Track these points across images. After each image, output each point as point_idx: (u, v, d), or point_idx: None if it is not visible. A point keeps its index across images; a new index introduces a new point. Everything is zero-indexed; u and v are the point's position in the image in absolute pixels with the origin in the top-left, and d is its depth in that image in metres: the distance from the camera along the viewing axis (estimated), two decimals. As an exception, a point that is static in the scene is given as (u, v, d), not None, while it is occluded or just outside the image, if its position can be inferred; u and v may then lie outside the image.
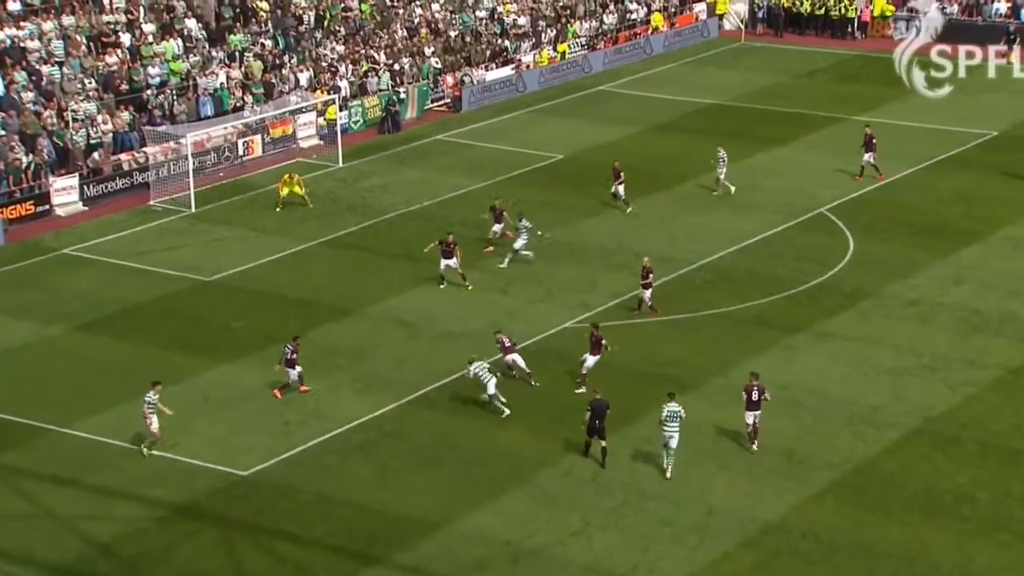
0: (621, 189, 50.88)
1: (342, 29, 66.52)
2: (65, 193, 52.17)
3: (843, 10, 77.30)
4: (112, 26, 59.87)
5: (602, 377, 37.73)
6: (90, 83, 56.29)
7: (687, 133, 59.85)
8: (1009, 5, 75.63)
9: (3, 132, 52.36)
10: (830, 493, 33.25)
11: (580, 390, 37.41)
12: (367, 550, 31.26)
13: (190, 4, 63.04)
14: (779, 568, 30.66)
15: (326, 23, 66.49)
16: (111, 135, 54.93)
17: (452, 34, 69.22)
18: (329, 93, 60.62)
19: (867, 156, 53.74)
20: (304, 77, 61.54)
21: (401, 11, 69.84)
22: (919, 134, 60.44)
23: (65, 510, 32.72)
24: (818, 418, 36.71)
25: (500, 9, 72.40)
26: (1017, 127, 61.45)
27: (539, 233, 46.95)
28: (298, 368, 37.82)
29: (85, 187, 52.71)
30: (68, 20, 58.85)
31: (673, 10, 78.41)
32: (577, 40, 72.83)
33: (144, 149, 54.84)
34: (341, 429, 36.28)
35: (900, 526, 31.96)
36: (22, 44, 56.62)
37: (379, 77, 63.47)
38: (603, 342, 37.94)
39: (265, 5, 65.15)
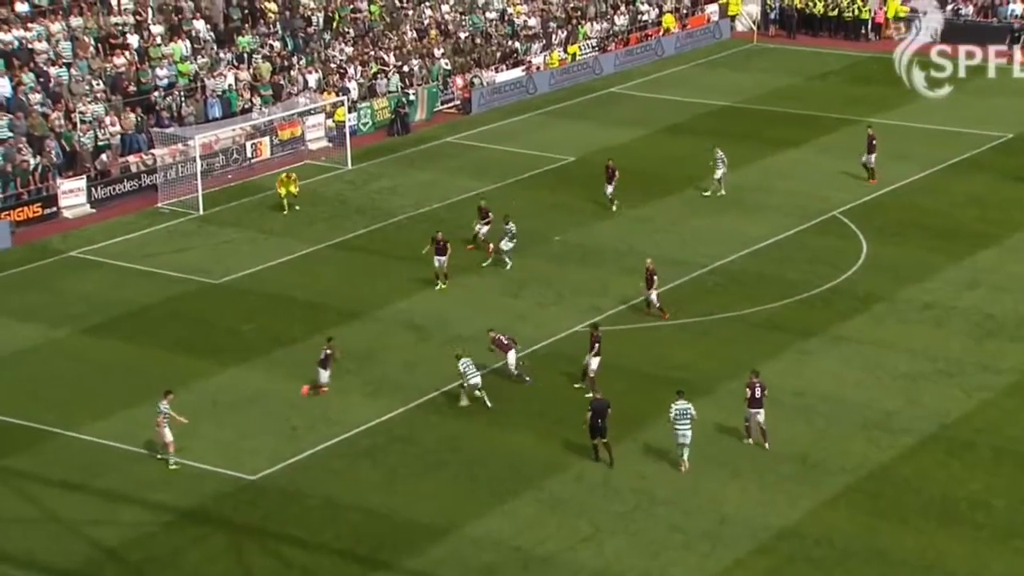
0: (609, 189, 50.97)
1: (351, 30, 66.40)
2: (73, 195, 52.12)
3: (856, 11, 76.90)
4: (120, 27, 59.83)
5: (612, 381, 37.68)
6: (98, 85, 56.22)
7: (698, 135, 59.60)
8: (1024, 6, 75.43)
9: (11, 134, 52.34)
10: (844, 499, 33.05)
11: (589, 395, 37.12)
12: (375, 555, 31.14)
13: (198, 5, 62.86)
14: (793, 575, 30.40)
15: (335, 24, 66.37)
16: (119, 137, 54.88)
17: (462, 35, 69.07)
18: (338, 95, 60.48)
19: (865, 157, 53.46)
20: (313, 79, 61.42)
21: (411, 12, 69.70)
22: (933, 136, 60.14)
23: (71, 514, 32.65)
24: (831, 423, 36.50)
25: (510, 10, 72.22)
26: (1033, 129, 61.26)
27: (556, 238, 47.21)
28: (328, 370, 37.79)
29: (93, 189, 52.65)
30: (76, 21, 58.82)
31: (685, 11, 78.15)
32: (588, 42, 72.63)
33: (152, 151, 54.80)
34: (349, 433, 36.16)
35: (915, 533, 31.75)
36: (30, 45, 56.60)
37: (388, 79, 63.31)
38: (597, 344, 37.75)
39: (274, 6, 65.08)
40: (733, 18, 78.87)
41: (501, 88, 66.40)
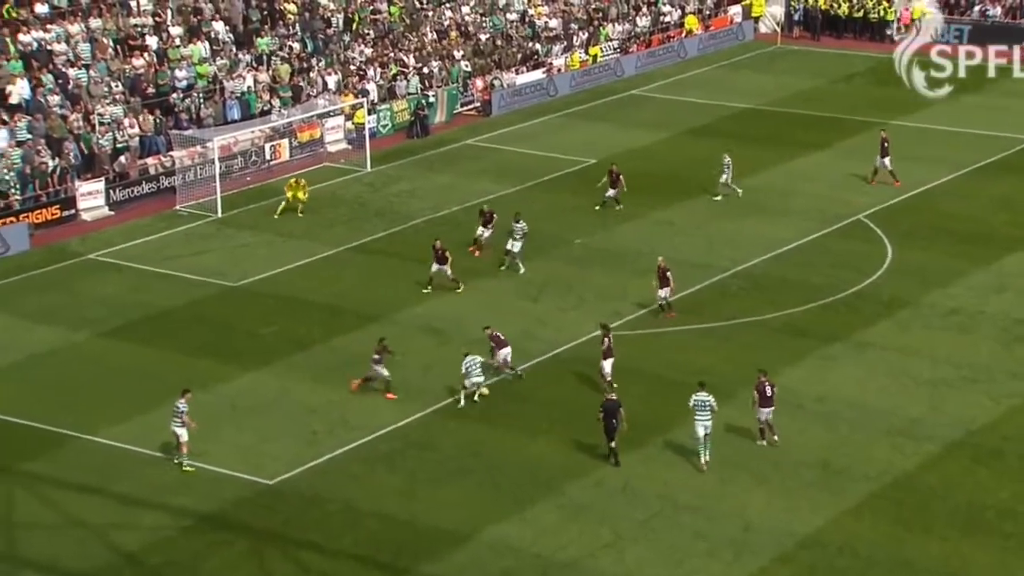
0: (612, 191, 50.91)
1: (371, 32, 66.26)
2: (91, 197, 52.04)
3: (882, 12, 76.41)
4: (139, 29, 59.76)
5: (633, 385, 37.66)
6: (117, 86, 56.15)
7: (721, 138, 59.29)
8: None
9: (29, 136, 52.32)
10: (868, 507, 32.82)
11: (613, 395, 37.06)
12: (394, 561, 31.02)
13: (218, 7, 62.75)
14: (816, 584, 30.29)
15: (355, 26, 66.20)
16: (137, 139, 54.78)
17: (482, 37, 68.87)
18: (357, 97, 60.34)
19: (881, 160, 53.23)
20: (332, 80, 61.27)
21: (430, 14, 69.49)
22: (960, 139, 59.85)
23: (91, 518, 32.60)
24: (855, 430, 36.26)
25: (531, 12, 72.00)
26: (1065, 132, 60.92)
27: (576, 241, 47.28)
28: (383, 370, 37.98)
29: (111, 191, 52.58)
30: (95, 23, 58.75)
31: (708, 13, 77.79)
32: (609, 43, 72.37)
33: (171, 153, 54.74)
34: (368, 438, 36.03)
35: (940, 542, 31.49)
36: (49, 47, 56.55)
37: (408, 80, 63.13)
38: (606, 340, 37.91)
39: (293, 7, 64.96)
40: (757, 19, 78.48)
41: (521, 90, 66.17)
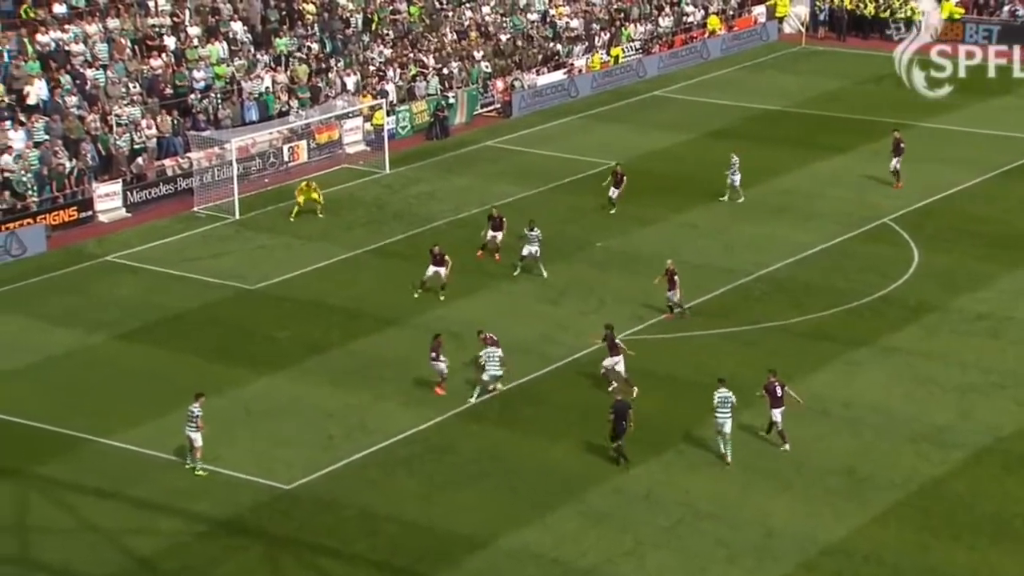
0: (615, 192, 50.82)
1: (390, 32, 66.08)
2: (108, 199, 51.97)
3: (909, 13, 75.80)
4: (157, 29, 59.68)
5: (656, 390, 37.61)
6: (134, 87, 56.07)
7: (745, 140, 59.06)
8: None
9: (47, 137, 52.27)
10: (893, 515, 32.57)
11: (635, 393, 37.17)
12: (412, 567, 30.90)
13: (236, 7, 62.57)
14: (841, 593, 30.09)
15: (374, 26, 66.07)
16: (155, 140, 54.71)
17: (503, 37, 68.67)
18: (376, 98, 60.22)
19: (894, 161, 52.94)
20: (351, 81, 61.11)
21: (450, 14, 69.26)
22: (988, 141, 59.51)
23: (106, 523, 32.50)
24: (881, 436, 36.01)
25: (552, 12, 71.72)
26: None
27: (597, 244, 47.29)
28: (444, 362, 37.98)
29: (128, 193, 52.49)
30: (113, 23, 58.70)
31: (731, 13, 77.39)
32: (631, 44, 72.10)
33: (188, 154, 54.69)
34: (386, 442, 35.88)
35: (967, 550, 31.21)
36: (67, 47, 56.50)
37: (427, 81, 62.91)
38: (617, 342, 37.95)
39: (312, 7, 64.85)
40: (781, 20, 78.12)
41: (542, 91, 65.92)
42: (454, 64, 64.76)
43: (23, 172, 50.49)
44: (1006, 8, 74.73)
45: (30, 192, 50.28)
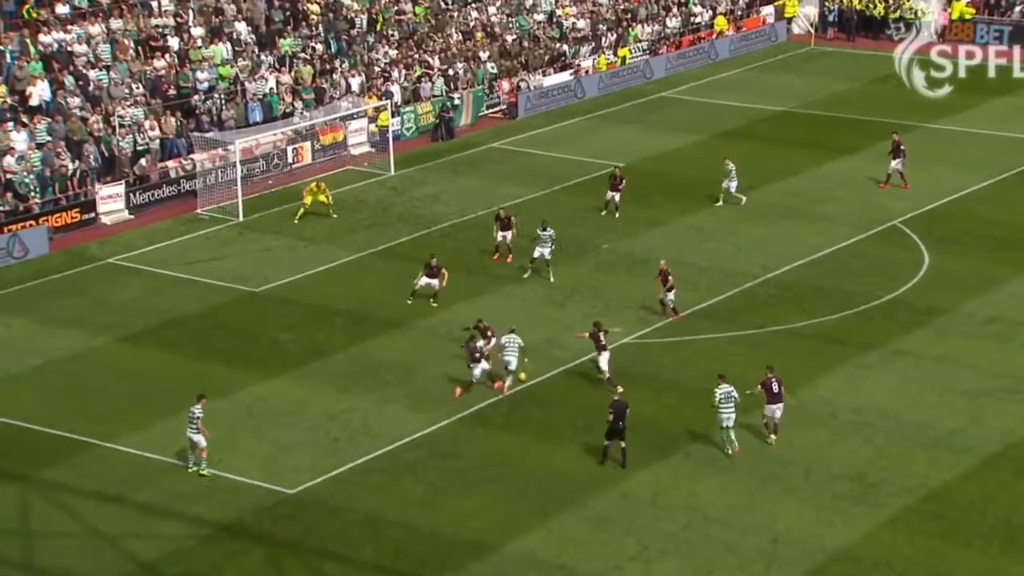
0: (616, 196, 50.66)
1: (395, 33, 65.93)
2: (111, 201, 51.79)
3: (919, 13, 75.48)
4: (160, 30, 59.57)
5: (664, 394, 37.53)
6: (137, 88, 55.90)
7: (753, 141, 59.09)
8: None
9: (49, 138, 52.14)
10: (903, 520, 32.43)
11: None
12: (417, 572, 30.80)
13: (240, 7, 62.37)
14: (851, 600, 30.01)
15: (379, 27, 65.91)
16: (158, 141, 54.55)
17: (509, 38, 68.50)
18: (381, 99, 60.06)
19: (895, 163, 52.80)
20: (356, 82, 60.96)
21: (456, 14, 69.07)
22: (998, 143, 59.37)
23: (108, 527, 32.41)
24: (891, 441, 35.85)
25: (559, 12, 71.54)
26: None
27: (604, 246, 47.16)
28: (482, 365, 37.85)
29: (131, 195, 52.33)
30: (116, 24, 58.58)
31: (739, 13, 77.16)
32: (638, 44, 71.88)
33: (192, 156, 54.55)
34: (391, 447, 35.76)
35: (979, 556, 31.09)
36: (69, 48, 56.36)
37: (433, 82, 62.75)
38: (600, 336, 38.12)
39: (316, 8, 64.71)
40: (790, 20, 77.98)
41: (548, 92, 65.74)
42: (460, 65, 64.56)
43: (26, 173, 50.34)
44: (1017, 9, 74.43)
45: (33, 194, 50.13)
